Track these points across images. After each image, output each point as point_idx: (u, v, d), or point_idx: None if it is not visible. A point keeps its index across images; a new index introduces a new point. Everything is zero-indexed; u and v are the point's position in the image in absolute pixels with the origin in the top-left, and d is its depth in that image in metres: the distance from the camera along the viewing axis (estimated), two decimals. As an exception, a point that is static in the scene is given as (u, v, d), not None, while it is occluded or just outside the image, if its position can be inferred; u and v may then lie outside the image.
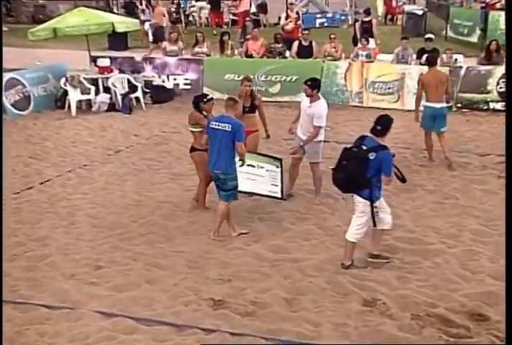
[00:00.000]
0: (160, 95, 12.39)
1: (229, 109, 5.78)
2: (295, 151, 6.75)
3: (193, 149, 6.45)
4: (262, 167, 6.56)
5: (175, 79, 12.60)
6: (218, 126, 5.69)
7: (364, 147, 5.12)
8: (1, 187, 7.01)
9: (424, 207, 6.78)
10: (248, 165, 6.30)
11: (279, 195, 6.74)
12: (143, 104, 11.99)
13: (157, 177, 7.97)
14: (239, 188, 6.21)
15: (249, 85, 6.68)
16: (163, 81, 12.60)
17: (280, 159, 6.68)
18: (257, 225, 6.33)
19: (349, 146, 5.26)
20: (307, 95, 6.63)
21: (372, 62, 12.20)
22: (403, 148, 9.10)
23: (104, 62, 12.07)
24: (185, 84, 12.59)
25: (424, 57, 11.35)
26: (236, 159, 5.78)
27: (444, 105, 8.49)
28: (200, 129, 6.24)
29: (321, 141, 6.87)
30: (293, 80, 11.88)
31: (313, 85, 6.58)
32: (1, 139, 8.47)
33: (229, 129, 5.63)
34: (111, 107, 11.66)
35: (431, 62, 8.70)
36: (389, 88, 11.50)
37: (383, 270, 5.26)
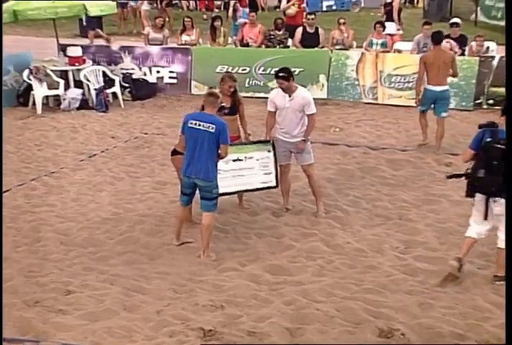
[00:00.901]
0: (141, 90, 12.47)
1: (209, 106, 5.83)
2: (301, 146, 6.78)
3: (175, 152, 6.47)
4: (251, 158, 6.69)
5: (158, 72, 12.69)
6: (199, 125, 5.75)
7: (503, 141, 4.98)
8: (1, 187, 7.39)
9: (449, 221, 6.83)
10: (235, 161, 6.40)
11: (273, 184, 6.87)
12: (121, 101, 12.05)
13: (137, 187, 8.02)
14: (226, 190, 6.38)
15: (233, 86, 6.67)
16: (145, 74, 12.69)
17: (270, 141, 6.79)
18: (254, 242, 6.37)
19: (490, 143, 5.05)
20: (284, 90, 6.68)
21: (389, 51, 12.32)
22: (424, 152, 9.18)
23: (75, 52, 12.13)
24: (171, 77, 12.69)
25: (444, 41, 11.46)
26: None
27: (446, 88, 8.70)
28: None
29: (309, 139, 6.96)
30: (297, 73, 11.91)
31: (288, 75, 6.62)
32: (1, 139, 8.70)
33: (213, 130, 5.69)
34: (84, 104, 11.72)
35: (435, 40, 8.89)
36: (408, 83, 11.60)
37: (401, 295, 5.29)
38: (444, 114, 8.99)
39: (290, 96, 6.69)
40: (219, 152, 5.77)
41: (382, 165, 8.70)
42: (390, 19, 13.97)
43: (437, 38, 9.04)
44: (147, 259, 6.02)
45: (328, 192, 7.70)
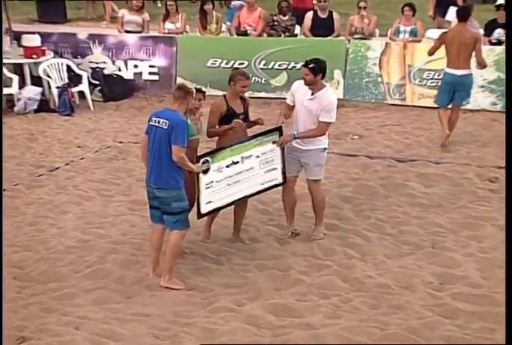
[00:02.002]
0: (114, 88, 12.57)
1: (175, 101, 5.97)
2: (285, 138, 6.79)
3: None
4: (249, 157, 6.63)
5: (136, 66, 12.80)
6: (158, 123, 5.90)
7: None
8: (1, 187, 8.04)
9: (495, 250, 6.85)
10: (229, 166, 6.44)
11: (280, 180, 6.89)
12: (90, 102, 12.13)
13: (110, 207, 8.05)
14: (218, 204, 6.40)
15: (247, 85, 6.70)
16: (119, 69, 12.80)
17: (278, 129, 6.80)
18: (254, 276, 6.39)
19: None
20: (308, 84, 6.76)
21: (420, 41, 12.43)
22: (464, 165, 9.23)
23: (32, 41, 12.22)
24: (151, 73, 12.80)
25: (496, 33, 11.56)
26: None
27: (467, 72, 8.88)
28: (193, 137, 6.34)
29: (325, 149, 7.01)
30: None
31: (317, 68, 6.69)
32: (1, 138, 8.99)
33: (165, 126, 5.81)
34: (43, 106, 11.80)
35: (460, 16, 9.02)
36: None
37: (437, 342, 5.30)
38: (461, 102, 9.09)
39: (312, 94, 6.75)
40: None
41: (412, 181, 8.75)
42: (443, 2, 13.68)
43: (462, 13, 9.19)
44: (122, 298, 6.03)
45: (344, 215, 7.74)
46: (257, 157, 6.68)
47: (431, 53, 9.27)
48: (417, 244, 7.02)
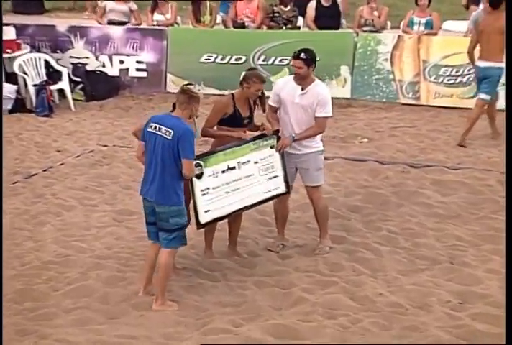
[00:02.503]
0: (98, 86, 12.59)
1: (179, 107, 5.92)
2: (284, 142, 6.81)
3: None
4: (247, 162, 6.66)
5: (122, 62, 12.83)
6: (158, 130, 5.84)
7: None
8: (1, 187, 8.23)
9: (520, 265, 6.85)
10: (225, 171, 6.44)
11: (283, 190, 6.91)
12: (71, 101, 12.15)
13: (93, 218, 8.05)
14: (217, 214, 6.42)
15: (261, 89, 6.68)
16: (103, 65, 12.84)
17: (275, 133, 6.81)
18: (253, 293, 6.38)
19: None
20: (300, 78, 6.78)
21: (436, 34, 12.45)
22: (485, 171, 9.25)
23: (6, 34, 12.21)
24: (139, 70, 12.84)
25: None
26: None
27: (494, 65, 8.93)
28: None
29: (323, 151, 7.07)
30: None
31: (310, 59, 6.75)
32: (1, 138, 9.02)
33: (170, 137, 5.77)
34: (19, 105, 11.82)
35: (492, 3, 8.92)
36: (462, 76, 11.72)
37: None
38: (483, 96, 9.05)
39: (303, 89, 6.79)
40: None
41: (427, 189, 8.76)
42: None
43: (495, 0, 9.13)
44: (106, 318, 6.02)
45: (353, 226, 7.75)
46: (256, 162, 6.71)
47: (470, 48, 9.13)
48: (433, 259, 7.02)
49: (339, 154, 9.66)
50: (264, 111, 6.95)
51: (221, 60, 12.18)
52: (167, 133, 5.77)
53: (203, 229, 6.70)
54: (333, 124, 11.04)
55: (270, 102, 6.98)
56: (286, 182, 6.91)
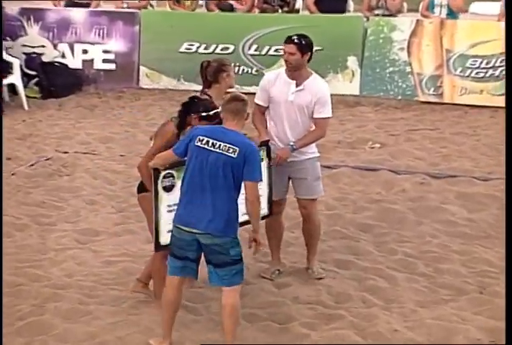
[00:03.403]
0: (56, 81, 12.58)
1: (233, 117, 5.82)
2: (283, 154, 6.83)
3: (143, 189, 6.50)
4: None
5: (85, 51, 12.85)
6: (214, 146, 5.75)
7: None
8: (0, 186, 8.49)
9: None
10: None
11: (265, 212, 6.84)
12: (24, 99, 12.15)
13: (50, 240, 8.00)
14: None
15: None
16: (63, 55, 12.86)
17: (264, 143, 6.78)
18: (242, 329, 6.34)
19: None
20: (292, 68, 6.79)
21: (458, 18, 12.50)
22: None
23: None
24: (106, 61, 12.85)
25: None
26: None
27: None
28: None
29: (319, 157, 7.09)
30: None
31: (306, 45, 6.80)
32: (1, 137, 9.28)
33: (234, 155, 5.68)
34: (-38, 103, 11.78)
35: None
36: (493, 68, 11.74)
37: None
38: None
39: (297, 85, 6.81)
40: (243, 192, 5.73)
41: (451, 204, 8.78)
42: None
43: None
44: (66, 360, 5.99)
45: (362, 248, 7.74)
46: None
47: None
48: (459, 288, 7.01)
49: (346, 163, 9.65)
50: None
51: (205, 49, 12.19)
52: (231, 150, 5.66)
53: None
54: (338, 127, 11.07)
55: (258, 100, 6.98)
56: (270, 203, 6.89)
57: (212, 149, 5.69)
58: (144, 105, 12.70)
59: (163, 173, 6.12)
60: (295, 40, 6.76)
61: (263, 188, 6.78)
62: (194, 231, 5.73)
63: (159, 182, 6.09)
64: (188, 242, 5.79)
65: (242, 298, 6.78)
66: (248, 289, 6.96)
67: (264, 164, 6.72)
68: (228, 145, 5.67)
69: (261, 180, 5.86)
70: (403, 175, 9.48)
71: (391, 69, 12.22)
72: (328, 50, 11.77)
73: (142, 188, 6.51)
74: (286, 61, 6.82)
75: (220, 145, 5.68)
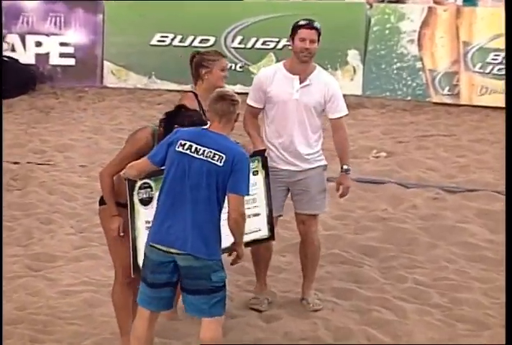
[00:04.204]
0: (5, 79, 12.52)
1: (219, 120, 5.81)
2: (347, 182, 6.99)
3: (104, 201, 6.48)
4: None
5: (39, 44, 12.84)
6: (197, 152, 5.75)
7: None
8: (1, 188, 8.81)
9: None
10: None
11: (265, 233, 6.84)
12: (-34, 99, 12.10)
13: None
14: None
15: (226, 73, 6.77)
16: (12, 48, 12.84)
17: (259, 153, 6.78)
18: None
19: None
20: (307, 59, 6.83)
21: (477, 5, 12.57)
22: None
23: None
24: (64, 55, 12.84)
25: None
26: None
27: None
28: None
29: (326, 165, 7.12)
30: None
31: (318, 33, 6.86)
32: (1, 135, 9.44)
33: (221, 163, 5.68)
34: None
35: None
36: (517, 65, 11.81)
37: None
38: None
39: (302, 80, 6.82)
40: (226, 206, 5.72)
41: (469, 222, 8.81)
42: None
43: None
44: None
45: (366, 275, 7.75)
46: None
47: None
48: (480, 321, 6.99)
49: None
50: None
51: (180, 42, 12.21)
52: (216, 157, 5.66)
53: None
54: (337, 132, 11.10)
55: (251, 101, 6.97)
56: (270, 224, 6.86)
57: (195, 155, 5.67)
58: (109, 107, 12.70)
59: (139, 183, 6.09)
60: (316, 25, 6.80)
61: (261, 206, 6.80)
62: (172, 250, 5.68)
63: (134, 193, 6.06)
64: (163, 264, 5.74)
65: (225, 334, 6.78)
66: (233, 323, 6.95)
67: (259, 178, 6.76)
68: (214, 151, 5.66)
69: (247, 194, 5.82)
70: (414, 189, 9.51)
71: (399, 65, 12.26)
72: (325, 43, 11.54)
73: (103, 200, 6.48)
74: (305, 50, 6.78)
75: (205, 151, 5.67)
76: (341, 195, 7.02)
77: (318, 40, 6.83)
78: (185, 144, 5.71)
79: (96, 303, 7.03)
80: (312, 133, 6.90)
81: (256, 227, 6.78)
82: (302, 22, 6.83)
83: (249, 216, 6.67)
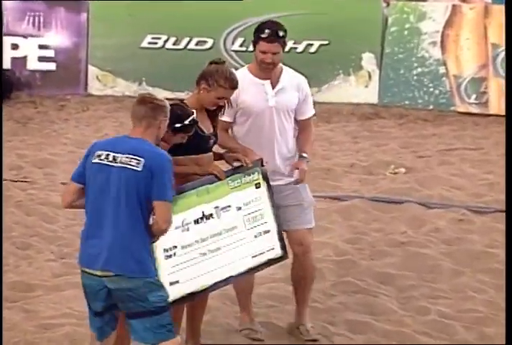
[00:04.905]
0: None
1: (141, 124, 5.89)
2: (303, 166, 6.96)
3: None
4: (227, 208, 6.64)
5: (16, 46, 12.87)
6: (113, 160, 5.81)
7: None
8: (1, 185, 8.60)
9: None
10: (199, 221, 6.42)
11: (278, 253, 6.89)
12: None
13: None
14: (206, 281, 6.40)
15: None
16: (-13, 52, 12.87)
17: (257, 163, 6.86)
18: None
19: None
20: (270, 69, 6.90)
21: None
22: None
23: None
24: (44, 59, 12.86)
25: None
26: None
27: None
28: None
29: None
30: (313, 50, 12.22)
31: (283, 42, 6.90)
32: (1, 136, 9.70)
33: (139, 168, 5.72)
34: None
35: None
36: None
37: None
38: None
39: (274, 85, 6.92)
40: (152, 217, 5.77)
41: (499, 247, 8.80)
42: None
43: None
44: None
45: (382, 306, 7.75)
46: (239, 208, 6.71)
47: None
48: (511, 359, 7.02)
49: (361, 193, 9.68)
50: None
51: (175, 44, 12.26)
52: (134, 162, 5.70)
53: None
54: (350, 146, 11.11)
55: (224, 118, 6.93)
56: (281, 240, 6.90)
57: (113, 163, 5.73)
58: (94, 117, 12.73)
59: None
60: (281, 34, 6.83)
61: (269, 222, 6.84)
62: (98, 273, 5.72)
63: None
64: (96, 291, 5.81)
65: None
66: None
67: (263, 191, 6.82)
68: (130, 156, 5.70)
69: (168, 198, 5.82)
70: (436, 210, 9.53)
71: (419, 70, 12.28)
72: (337, 45, 11.84)
73: None
74: (267, 63, 6.85)
75: (121, 158, 5.73)
76: (298, 182, 6.94)
77: (284, 48, 6.87)
78: (101, 154, 5.77)
79: (79, 338, 7.03)
80: (292, 137, 6.98)
81: (269, 246, 6.83)
82: (263, 34, 6.88)
83: (260, 234, 6.75)
